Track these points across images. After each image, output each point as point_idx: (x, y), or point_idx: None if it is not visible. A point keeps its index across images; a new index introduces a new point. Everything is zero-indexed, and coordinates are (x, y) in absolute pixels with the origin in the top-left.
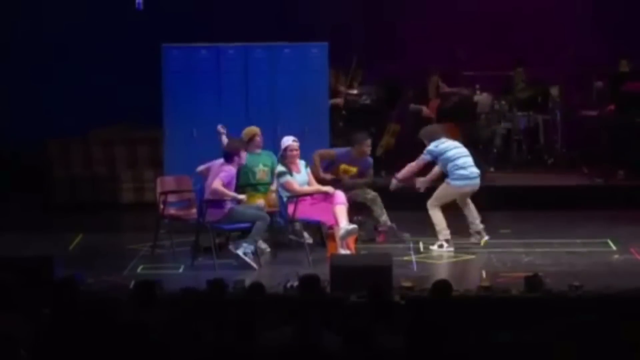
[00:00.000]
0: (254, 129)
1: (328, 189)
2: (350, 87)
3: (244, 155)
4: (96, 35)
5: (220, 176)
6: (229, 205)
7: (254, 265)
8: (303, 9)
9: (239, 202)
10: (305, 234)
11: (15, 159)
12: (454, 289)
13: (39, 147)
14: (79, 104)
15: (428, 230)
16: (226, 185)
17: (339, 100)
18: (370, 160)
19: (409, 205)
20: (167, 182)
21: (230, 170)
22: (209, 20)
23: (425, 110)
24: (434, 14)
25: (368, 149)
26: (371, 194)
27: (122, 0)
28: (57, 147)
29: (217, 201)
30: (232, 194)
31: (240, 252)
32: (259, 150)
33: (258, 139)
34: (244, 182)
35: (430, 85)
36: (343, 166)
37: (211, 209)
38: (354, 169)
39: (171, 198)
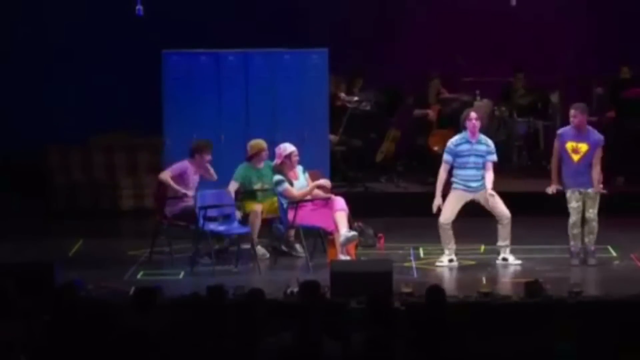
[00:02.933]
0: (262, 144)
1: (325, 181)
2: (350, 93)
3: (207, 157)
4: (97, 41)
5: (172, 167)
6: (182, 203)
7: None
8: (303, 16)
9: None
10: (298, 246)
11: (15, 165)
12: (454, 295)
13: (39, 153)
14: (79, 110)
15: (428, 236)
16: (176, 177)
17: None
18: None
19: (408, 211)
20: (163, 187)
21: (184, 164)
22: (208, 27)
23: (430, 113)
24: (434, 20)
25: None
26: None
27: (123, 6)
28: (57, 153)
29: (172, 198)
30: (176, 187)
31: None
32: (261, 165)
33: (264, 154)
34: (242, 190)
35: (430, 89)
36: None
37: (167, 206)
38: None
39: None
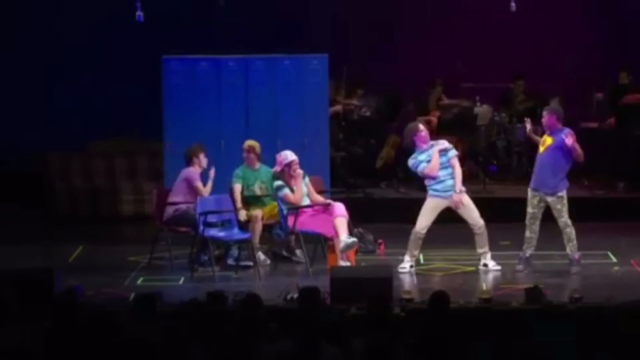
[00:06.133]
0: (249, 144)
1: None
2: (350, 97)
3: (203, 158)
4: (97, 47)
5: (196, 180)
6: (183, 207)
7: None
8: (303, 21)
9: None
10: (298, 252)
11: (15, 171)
12: (454, 301)
13: (39, 159)
14: (79, 116)
15: (428, 242)
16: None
17: (338, 108)
18: None
19: (408, 217)
20: (164, 193)
21: (194, 173)
22: (209, 32)
23: (433, 120)
24: (434, 27)
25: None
26: None
27: (123, 12)
28: (57, 159)
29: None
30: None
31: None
32: (257, 166)
33: (250, 155)
34: (246, 195)
35: (432, 96)
36: None
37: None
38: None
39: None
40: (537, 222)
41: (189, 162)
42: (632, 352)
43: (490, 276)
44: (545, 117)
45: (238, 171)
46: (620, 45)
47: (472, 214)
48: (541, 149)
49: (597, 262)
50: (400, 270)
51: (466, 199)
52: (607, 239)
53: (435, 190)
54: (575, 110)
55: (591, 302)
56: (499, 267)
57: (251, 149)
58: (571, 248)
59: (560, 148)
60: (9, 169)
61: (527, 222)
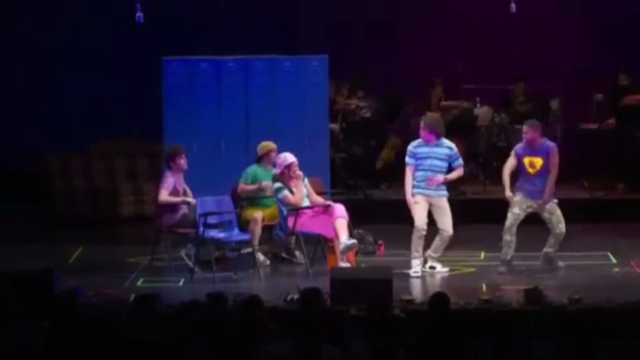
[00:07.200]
0: (271, 145)
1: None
2: (350, 98)
3: (182, 161)
4: (97, 48)
5: (163, 187)
6: (182, 210)
7: (191, 266)
8: (303, 22)
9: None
10: (298, 253)
11: (15, 171)
12: (454, 302)
13: (39, 159)
14: (79, 116)
15: (428, 243)
16: (171, 192)
17: (334, 126)
18: None
19: (408, 218)
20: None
21: (168, 177)
22: (209, 33)
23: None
24: (435, 28)
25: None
26: None
27: (123, 13)
28: (57, 160)
29: (171, 206)
30: (179, 199)
31: (182, 253)
32: (270, 167)
33: (273, 154)
34: (250, 195)
35: (432, 96)
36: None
37: (165, 214)
38: None
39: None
40: (516, 225)
41: (167, 166)
42: (632, 352)
43: (490, 277)
44: (529, 133)
45: (250, 171)
46: (620, 47)
47: (445, 219)
48: (532, 170)
49: (597, 263)
50: (413, 275)
51: (443, 204)
52: (607, 240)
53: (417, 187)
54: (575, 111)
55: (591, 303)
56: (447, 269)
57: (273, 150)
58: (554, 249)
59: (548, 159)
60: (9, 169)
61: (507, 224)
